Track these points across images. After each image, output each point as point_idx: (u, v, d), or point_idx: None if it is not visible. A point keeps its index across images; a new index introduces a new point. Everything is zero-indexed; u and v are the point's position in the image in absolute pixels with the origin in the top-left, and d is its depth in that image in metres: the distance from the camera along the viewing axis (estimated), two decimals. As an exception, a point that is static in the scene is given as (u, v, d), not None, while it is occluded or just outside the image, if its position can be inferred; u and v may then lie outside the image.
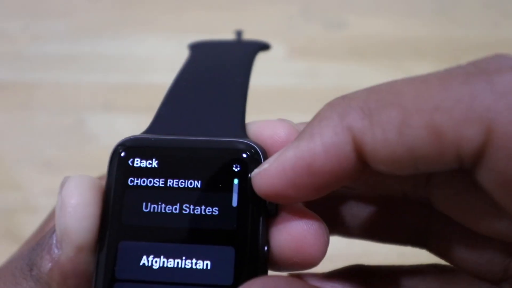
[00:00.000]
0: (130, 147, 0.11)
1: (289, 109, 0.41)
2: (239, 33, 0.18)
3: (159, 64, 0.47)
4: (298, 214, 0.11)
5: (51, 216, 0.14)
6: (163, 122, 0.12)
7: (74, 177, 0.11)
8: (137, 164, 0.11)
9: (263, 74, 0.49)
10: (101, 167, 0.40)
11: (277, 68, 0.47)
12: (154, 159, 0.11)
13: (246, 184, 0.10)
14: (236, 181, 0.10)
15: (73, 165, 0.36)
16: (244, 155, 0.11)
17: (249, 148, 0.11)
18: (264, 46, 0.16)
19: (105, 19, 0.54)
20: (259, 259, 0.10)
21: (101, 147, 0.38)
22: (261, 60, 0.53)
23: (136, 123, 0.40)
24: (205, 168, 0.10)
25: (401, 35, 0.52)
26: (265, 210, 0.10)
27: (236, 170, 0.11)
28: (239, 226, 0.10)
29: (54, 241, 0.11)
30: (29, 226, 0.32)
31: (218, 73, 0.14)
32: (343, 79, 0.45)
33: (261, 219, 0.10)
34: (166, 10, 0.55)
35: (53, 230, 0.11)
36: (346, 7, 0.57)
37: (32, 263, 0.11)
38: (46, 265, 0.11)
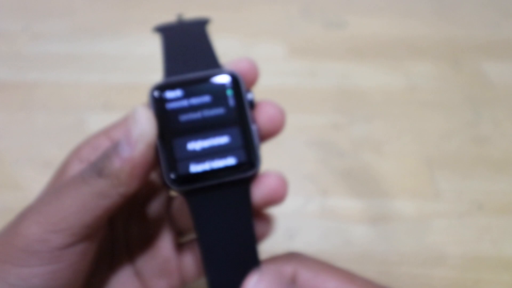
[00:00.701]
0: (162, 86, 0.18)
1: (289, 109, 0.41)
2: (180, 15, 0.24)
3: (159, 64, 0.47)
4: (267, 103, 0.20)
5: (61, 169, 0.21)
6: (171, 72, 0.18)
7: (141, 106, 0.17)
8: (169, 94, 0.17)
9: (263, 74, 0.49)
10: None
11: (277, 68, 0.47)
12: (178, 89, 0.17)
13: (235, 92, 0.18)
14: (229, 92, 0.18)
15: (73, 165, 0.36)
16: (229, 75, 0.18)
17: (230, 72, 0.18)
18: (206, 21, 0.23)
19: (105, 19, 0.54)
20: (253, 131, 0.18)
21: (101, 147, 0.38)
22: (261, 60, 0.53)
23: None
24: (209, 88, 0.17)
25: (400, 35, 0.52)
26: (248, 104, 0.18)
27: (228, 85, 0.18)
28: (237, 115, 0.17)
29: (122, 147, 0.16)
30: (29, 226, 0.32)
31: (189, 42, 0.20)
32: (343, 79, 0.45)
33: (247, 109, 0.18)
34: (166, 10, 0.55)
35: (116, 144, 0.17)
36: (346, 7, 0.57)
37: (100, 168, 0.17)
38: (116, 163, 0.16)
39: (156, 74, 0.46)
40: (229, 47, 0.49)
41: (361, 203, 0.34)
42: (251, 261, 0.18)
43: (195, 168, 0.17)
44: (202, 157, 0.17)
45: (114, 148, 0.17)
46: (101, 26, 0.52)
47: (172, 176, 0.17)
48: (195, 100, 0.17)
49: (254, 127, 0.18)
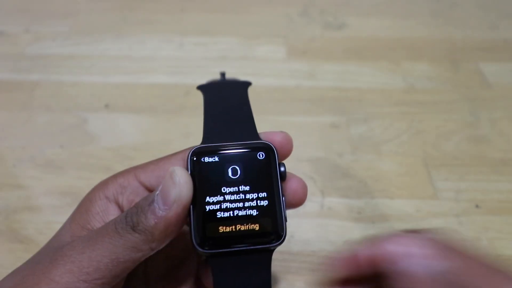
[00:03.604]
0: (201, 151, 0.19)
1: (289, 109, 0.42)
2: (223, 74, 0.25)
3: (159, 65, 0.47)
4: (294, 177, 0.20)
5: (86, 205, 0.20)
6: (210, 135, 0.20)
7: (179, 168, 0.18)
8: (206, 159, 0.18)
9: (264, 74, 0.50)
10: (101, 167, 0.40)
11: (277, 69, 0.47)
12: (215, 156, 0.18)
13: (268, 163, 0.19)
14: (263, 163, 0.19)
15: (74, 164, 0.36)
16: (264, 147, 0.19)
17: (265, 144, 0.19)
18: (249, 84, 0.24)
19: (106, 20, 0.54)
20: (282, 203, 0.18)
21: (102, 147, 0.38)
22: (261, 61, 0.54)
23: (136, 123, 0.40)
24: (245, 157, 0.19)
25: (399, 36, 0.52)
26: (279, 176, 0.19)
27: (262, 156, 0.19)
28: (269, 186, 0.18)
29: (158, 205, 0.17)
30: (30, 225, 0.32)
31: (230, 105, 0.22)
32: (342, 80, 0.46)
33: (278, 181, 0.19)
34: (167, 12, 0.55)
35: (151, 200, 0.17)
36: (345, 8, 0.57)
37: (134, 223, 0.17)
38: (152, 221, 0.17)
39: (156, 74, 0.46)
40: (229, 48, 0.50)
41: (360, 202, 0.34)
42: None
43: (222, 232, 0.17)
44: (231, 222, 0.17)
45: (149, 204, 0.17)
46: (102, 27, 0.53)
47: (199, 238, 0.17)
48: (229, 167, 0.18)
49: (283, 199, 0.18)
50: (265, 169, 0.18)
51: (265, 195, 0.18)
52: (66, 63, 0.47)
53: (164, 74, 0.46)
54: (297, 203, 0.20)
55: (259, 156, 0.19)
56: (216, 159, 0.18)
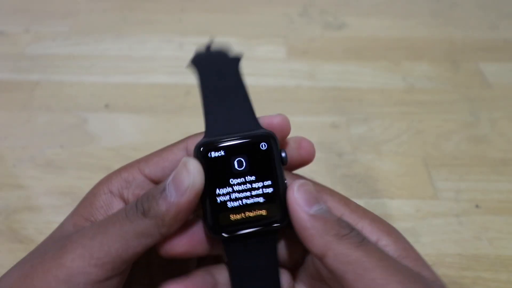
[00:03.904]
0: (206, 145, 0.20)
1: (289, 109, 0.42)
2: (209, 45, 0.25)
3: (159, 65, 0.47)
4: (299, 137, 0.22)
5: (90, 198, 0.21)
6: (211, 129, 0.21)
7: (192, 158, 0.19)
8: (213, 152, 0.20)
9: (264, 74, 0.50)
10: (101, 167, 0.40)
11: (277, 69, 0.47)
12: (220, 150, 0.20)
13: (270, 150, 0.20)
14: (265, 150, 0.20)
15: (74, 164, 0.36)
16: (266, 135, 0.20)
17: (266, 132, 0.20)
18: (240, 58, 0.24)
19: (106, 20, 0.54)
20: (284, 187, 0.20)
21: (102, 147, 0.38)
22: (261, 61, 0.54)
23: (136, 123, 0.40)
24: (248, 146, 0.20)
25: (399, 36, 0.52)
26: (280, 161, 0.20)
27: (264, 144, 0.20)
28: (272, 172, 0.20)
29: (169, 193, 0.18)
30: (31, 224, 0.32)
31: (226, 86, 0.22)
32: (342, 80, 0.46)
33: (280, 166, 0.20)
34: (167, 12, 0.55)
35: (162, 188, 0.18)
36: (345, 8, 0.57)
37: (145, 208, 0.18)
38: (162, 206, 0.18)
39: (156, 74, 0.46)
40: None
41: (360, 202, 0.34)
42: None
43: (233, 220, 0.19)
44: (240, 210, 0.19)
45: (161, 192, 0.18)
46: (102, 27, 0.53)
47: (213, 227, 0.19)
48: (235, 160, 0.20)
49: (285, 183, 0.20)
50: (268, 158, 0.20)
51: (270, 183, 0.20)
52: (66, 63, 0.47)
53: (164, 74, 0.46)
54: (309, 158, 0.22)
55: (262, 146, 0.20)
56: (222, 153, 0.20)
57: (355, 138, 0.39)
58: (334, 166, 0.37)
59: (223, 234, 0.19)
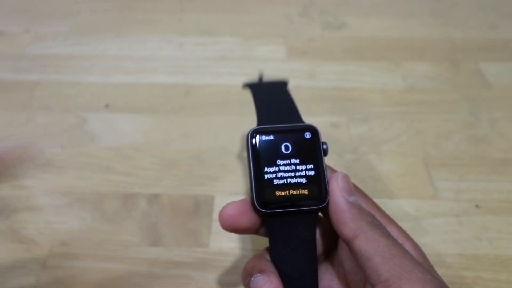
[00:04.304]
0: (258, 130, 0.23)
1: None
2: (261, 77, 0.30)
3: (159, 65, 0.47)
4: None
5: None
6: (263, 122, 0.24)
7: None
8: (263, 137, 0.22)
9: (264, 74, 0.50)
10: (102, 167, 0.40)
11: (277, 69, 0.47)
12: (270, 134, 0.22)
13: (314, 141, 0.23)
14: (310, 140, 0.23)
15: (74, 164, 0.36)
16: (310, 128, 0.23)
17: (311, 125, 0.23)
18: (287, 82, 0.29)
19: (106, 20, 0.54)
20: (325, 172, 0.22)
21: (102, 147, 0.38)
22: (261, 61, 0.54)
23: (136, 123, 0.40)
24: (295, 136, 0.23)
25: (399, 36, 0.52)
26: (323, 152, 0.22)
27: (309, 135, 0.23)
28: (315, 159, 0.22)
29: None
30: (31, 224, 0.32)
31: (277, 99, 0.26)
32: (342, 80, 0.46)
33: (322, 155, 0.22)
34: (167, 12, 0.56)
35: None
36: (345, 8, 0.57)
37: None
38: None
39: (156, 74, 0.46)
40: (229, 48, 0.50)
41: (360, 202, 0.34)
42: (311, 280, 0.22)
43: (278, 196, 0.21)
44: (285, 188, 0.22)
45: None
46: (102, 27, 0.53)
47: (260, 201, 0.21)
48: (282, 144, 0.22)
49: (326, 170, 0.22)
50: (311, 146, 0.22)
51: (312, 167, 0.22)
52: (66, 63, 0.47)
53: (164, 74, 0.46)
54: None
55: (306, 135, 0.23)
56: (272, 137, 0.22)
57: (355, 138, 0.39)
58: (334, 166, 0.37)
59: (268, 209, 0.21)
